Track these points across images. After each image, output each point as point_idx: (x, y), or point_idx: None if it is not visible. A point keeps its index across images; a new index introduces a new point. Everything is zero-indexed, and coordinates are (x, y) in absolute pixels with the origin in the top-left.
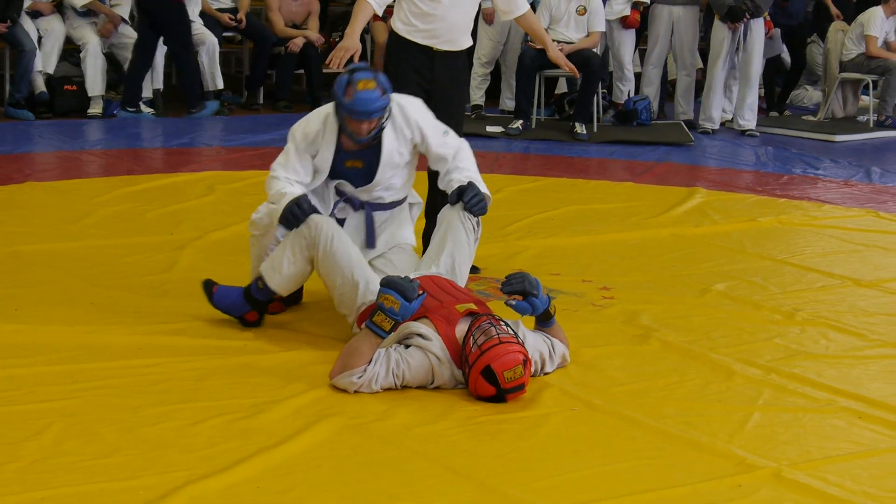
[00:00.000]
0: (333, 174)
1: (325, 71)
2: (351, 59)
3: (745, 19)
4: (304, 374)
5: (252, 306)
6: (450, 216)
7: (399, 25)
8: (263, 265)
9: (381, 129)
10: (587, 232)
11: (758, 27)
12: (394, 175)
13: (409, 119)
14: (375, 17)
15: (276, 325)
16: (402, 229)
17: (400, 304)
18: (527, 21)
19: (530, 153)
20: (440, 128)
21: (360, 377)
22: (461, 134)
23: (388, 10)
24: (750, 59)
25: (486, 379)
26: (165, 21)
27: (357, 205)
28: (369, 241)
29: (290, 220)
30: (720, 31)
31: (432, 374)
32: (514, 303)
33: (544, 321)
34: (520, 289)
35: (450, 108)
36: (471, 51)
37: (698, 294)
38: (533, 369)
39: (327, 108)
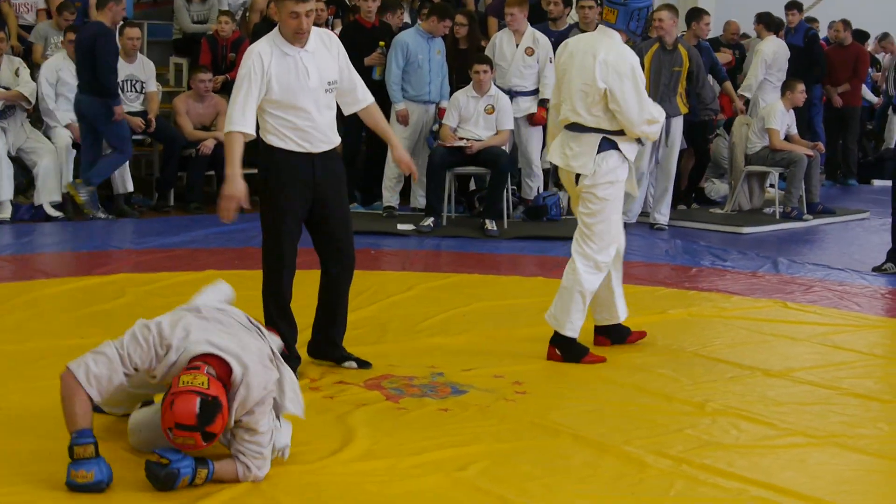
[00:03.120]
0: None
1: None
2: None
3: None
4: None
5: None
6: None
7: (272, 139)
8: None
9: None
10: (499, 327)
11: (677, 123)
12: None
13: None
14: None
15: None
16: None
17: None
18: (370, 115)
19: (442, 250)
20: None
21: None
22: (352, 233)
23: None
24: (671, 153)
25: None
26: None
27: None
28: None
29: None
30: None
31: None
32: None
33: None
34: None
35: (336, 206)
36: (383, 150)
37: (610, 387)
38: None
39: None
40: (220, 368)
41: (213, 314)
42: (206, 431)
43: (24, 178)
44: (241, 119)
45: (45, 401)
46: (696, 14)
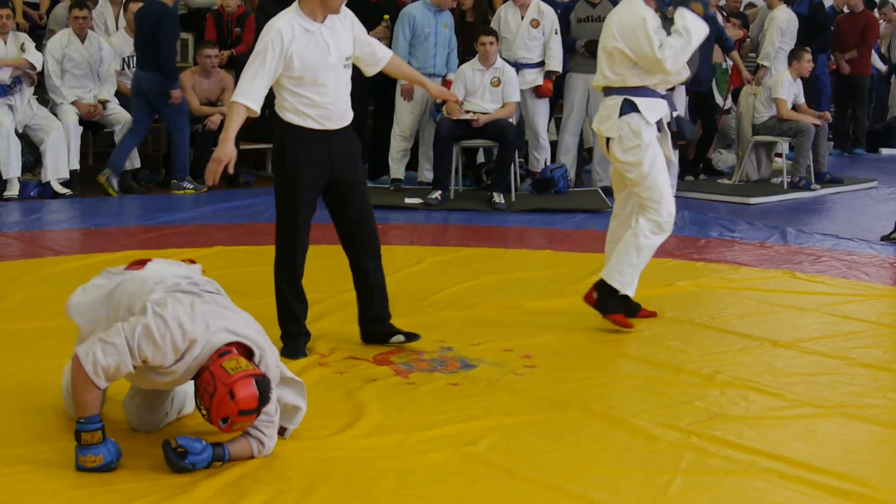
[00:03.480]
0: None
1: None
2: (226, 171)
3: None
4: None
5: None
6: None
7: (290, 116)
8: None
9: None
10: (508, 301)
11: (679, 94)
12: None
13: None
14: None
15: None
16: None
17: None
18: (395, 67)
19: (449, 224)
20: None
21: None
22: (371, 206)
23: None
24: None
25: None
26: None
27: None
28: None
29: None
30: None
31: None
32: None
33: None
34: None
35: (354, 181)
36: (389, 124)
37: (619, 360)
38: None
39: None
40: (241, 350)
41: (206, 295)
42: (260, 410)
43: (32, 155)
44: (246, 92)
45: (54, 380)
46: None
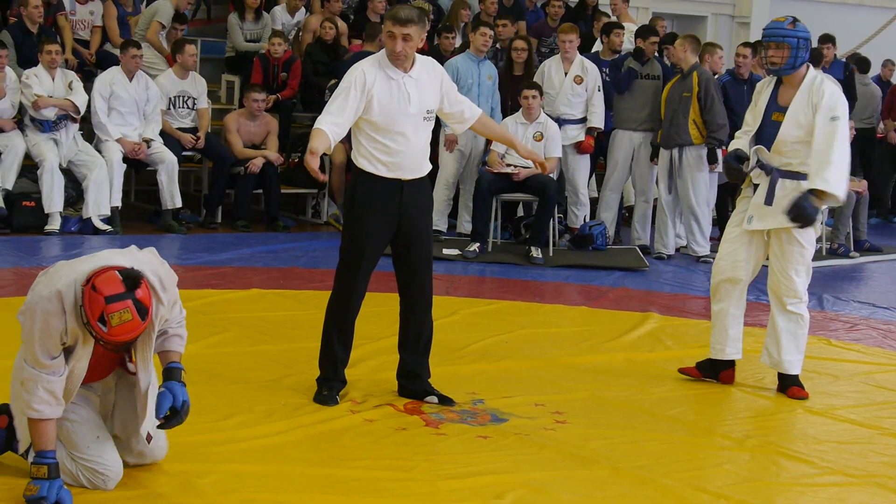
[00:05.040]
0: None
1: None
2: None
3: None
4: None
5: None
6: None
7: (363, 161)
8: None
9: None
10: (541, 356)
11: (690, 152)
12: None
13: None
14: None
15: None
16: None
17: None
18: (483, 125)
19: (486, 276)
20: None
21: None
22: (430, 261)
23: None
24: (685, 185)
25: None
26: None
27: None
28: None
29: None
30: (663, 158)
31: None
32: None
33: None
34: None
35: (418, 235)
36: (433, 175)
37: (650, 419)
38: None
39: None
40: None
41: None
42: (137, 299)
43: (74, 190)
44: (328, 123)
45: None
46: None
